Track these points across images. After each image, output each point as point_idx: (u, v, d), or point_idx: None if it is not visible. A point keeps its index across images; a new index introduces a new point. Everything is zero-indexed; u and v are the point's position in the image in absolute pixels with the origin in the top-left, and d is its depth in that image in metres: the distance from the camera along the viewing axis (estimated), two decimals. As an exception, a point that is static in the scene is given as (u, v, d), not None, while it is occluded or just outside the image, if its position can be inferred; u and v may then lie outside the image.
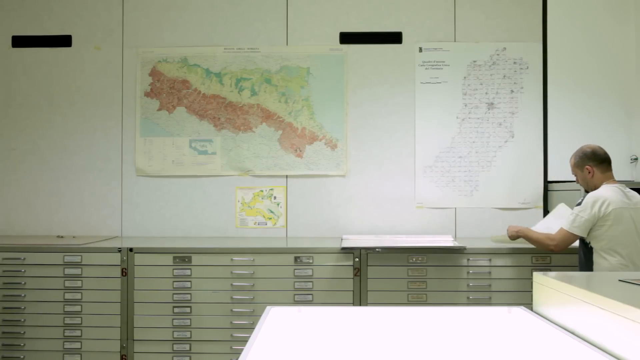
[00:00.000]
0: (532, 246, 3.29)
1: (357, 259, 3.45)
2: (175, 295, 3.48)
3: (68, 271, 3.52)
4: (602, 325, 1.60)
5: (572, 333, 1.76)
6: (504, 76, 4.11)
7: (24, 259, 3.55)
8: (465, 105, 4.11)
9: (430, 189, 4.11)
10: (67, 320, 3.51)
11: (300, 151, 4.14)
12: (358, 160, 4.13)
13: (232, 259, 3.50)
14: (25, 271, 3.54)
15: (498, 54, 4.11)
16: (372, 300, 3.44)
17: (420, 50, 4.14)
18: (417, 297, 3.45)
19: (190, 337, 3.47)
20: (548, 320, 1.93)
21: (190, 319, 3.47)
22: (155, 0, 4.22)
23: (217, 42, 4.20)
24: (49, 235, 4.12)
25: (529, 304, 2.14)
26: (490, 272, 3.45)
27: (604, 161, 3.09)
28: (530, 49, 4.10)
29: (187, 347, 3.46)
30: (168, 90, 4.19)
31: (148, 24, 4.22)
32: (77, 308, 3.51)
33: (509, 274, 3.43)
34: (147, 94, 4.20)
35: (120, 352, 3.49)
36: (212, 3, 4.21)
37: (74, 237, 4.03)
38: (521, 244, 3.36)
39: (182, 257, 3.50)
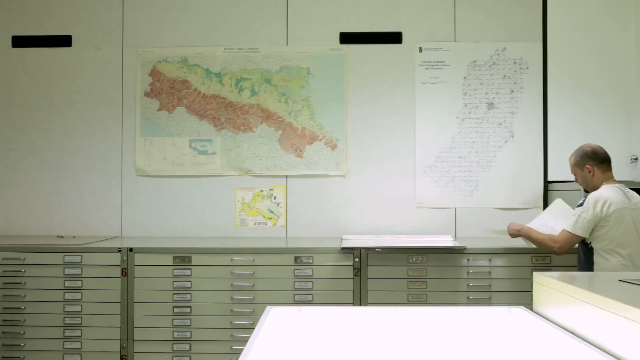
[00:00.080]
0: (532, 246, 3.27)
1: (357, 259, 3.45)
2: (175, 295, 3.48)
3: (68, 271, 3.52)
4: (602, 325, 1.60)
5: (572, 333, 1.76)
6: (504, 76, 4.11)
7: (24, 259, 3.55)
8: (465, 105, 4.11)
9: (430, 189, 4.11)
10: (67, 320, 3.51)
11: (300, 151, 4.14)
12: (358, 160, 4.13)
13: (232, 259, 3.50)
14: (25, 271, 3.54)
15: (498, 54, 4.11)
16: (372, 300, 3.44)
17: (420, 50, 4.14)
18: (417, 297, 3.45)
19: (190, 337, 3.47)
20: (548, 320, 1.93)
21: (190, 319, 3.47)
22: (155, 0, 4.22)
23: (217, 42, 4.20)
24: (49, 235, 4.12)
25: (529, 304, 2.14)
26: (490, 272, 3.45)
27: (604, 161, 3.08)
28: (530, 49, 4.10)
29: (187, 347, 3.46)
30: (168, 90, 4.19)
31: (148, 24, 4.22)
32: (77, 308, 3.51)
33: (509, 274, 3.43)
34: (147, 94, 4.20)
35: (120, 352, 3.49)
36: (212, 3, 4.21)
37: (74, 237, 4.03)
38: (520, 243, 3.35)
39: (182, 257, 3.50)
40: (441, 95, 4.12)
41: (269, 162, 4.15)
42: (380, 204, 4.11)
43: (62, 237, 4.03)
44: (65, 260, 3.52)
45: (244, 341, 1.73)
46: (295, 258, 3.48)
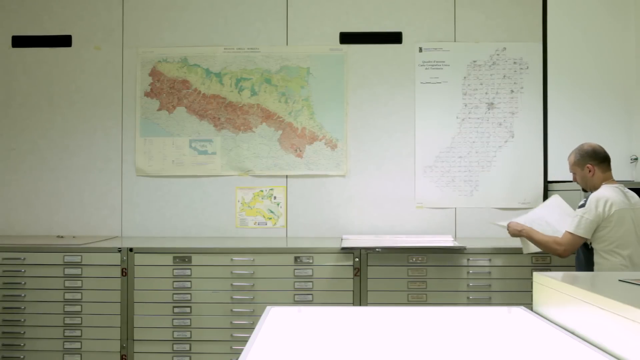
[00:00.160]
0: (530, 249, 3.23)
1: (357, 259, 3.45)
2: (175, 295, 3.48)
3: (68, 271, 3.52)
4: (602, 325, 1.60)
5: (572, 333, 1.76)
6: (504, 76, 4.11)
7: (24, 259, 3.55)
8: (465, 105, 4.11)
9: (430, 189, 4.11)
10: (67, 320, 3.51)
11: (300, 151, 4.14)
12: (358, 160, 4.13)
13: (232, 259, 3.50)
14: (25, 271, 3.54)
15: (498, 54, 4.11)
16: (372, 300, 3.44)
17: (420, 50, 4.14)
18: (417, 297, 3.45)
19: (190, 337, 3.47)
20: (548, 320, 1.93)
21: (190, 319, 3.47)
22: (155, 0, 4.22)
23: (217, 42, 4.20)
24: (49, 235, 4.12)
25: (529, 304, 2.14)
26: (490, 272, 3.45)
27: (605, 160, 3.07)
28: (530, 49, 4.10)
29: (187, 347, 3.46)
30: (168, 90, 4.19)
31: (148, 24, 4.22)
32: (77, 308, 3.51)
33: (509, 274, 3.43)
34: (147, 94, 4.20)
35: (120, 352, 3.49)
36: (212, 3, 4.21)
37: (74, 237, 4.03)
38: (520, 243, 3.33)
39: (182, 257, 3.50)
40: (441, 95, 4.12)
41: (269, 162, 4.15)
42: (380, 204, 4.11)
43: (62, 237, 4.03)
44: (65, 260, 3.53)
45: (244, 341, 1.73)
46: (295, 258, 3.48)
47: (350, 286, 3.45)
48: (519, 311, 2.07)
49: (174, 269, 3.50)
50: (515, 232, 3.24)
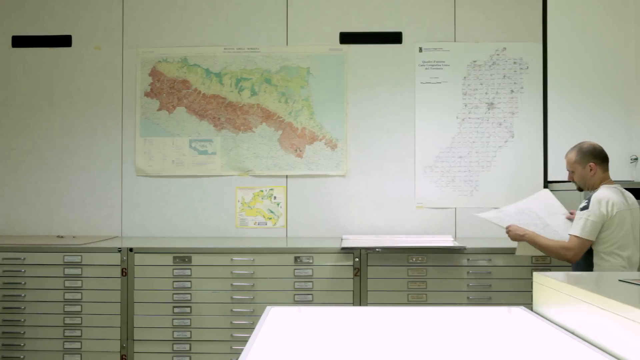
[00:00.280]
0: (529, 252, 3.18)
1: (357, 259, 3.45)
2: (175, 295, 3.48)
3: (68, 271, 3.52)
4: (602, 325, 1.60)
5: (572, 333, 1.76)
6: (504, 76, 4.11)
7: (24, 259, 3.55)
8: (465, 105, 4.11)
9: (430, 189, 4.11)
10: (67, 320, 3.51)
11: (300, 151, 4.14)
12: (358, 160, 4.13)
13: (232, 259, 3.50)
14: (25, 271, 3.54)
15: (498, 54, 4.11)
16: (372, 300, 3.44)
17: (420, 50, 4.14)
18: (417, 297, 3.45)
19: (190, 337, 3.47)
20: (548, 320, 1.93)
21: (190, 319, 3.47)
22: (155, 0, 4.22)
23: (217, 42, 4.20)
24: (49, 235, 4.12)
25: (529, 304, 2.14)
26: (490, 272, 3.45)
27: (605, 160, 3.06)
28: (530, 49, 4.10)
29: (187, 347, 3.46)
30: (168, 90, 4.19)
31: (148, 24, 4.22)
32: (77, 308, 3.51)
33: (509, 274, 3.43)
34: (147, 94, 4.20)
35: (120, 352, 3.49)
36: (212, 3, 4.21)
37: (74, 237, 4.03)
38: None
39: (182, 257, 3.50)
40: (441, 95, 4.12)
41: (269, 162, 4.15)
42: (380, 204, 4.11)
43: (62, 237, 4.03)
44: (65, 260, 3.52)
45: (244, 341, 1.73)
46: (295, 258, 3.48)
47: (350, 286, 3.45)
48: (519, 311, 2.07)
49: (174, 269, 3.50)
50: (517, 237, 3.14)
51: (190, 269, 3.49)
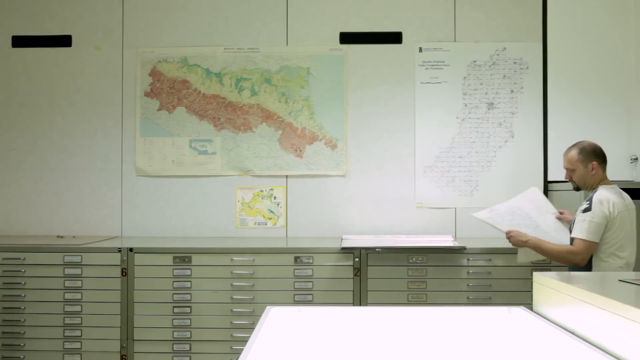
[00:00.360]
0: (531, 258, 3.15)
1: (357, 259, 3.45)
2: (175, 295, 3.48)
3: (68, 271, 3.52)
4: (602, 325, 1.60)
5: (572, 333, 1.76)
6: (504, 76, 4.11)
7: (24, 259, 3.55)
8: (465, 105, 4.11)
9: (430, 189, 4.10)
10: (67, 320, 3.51)
11: (300, 151, 4.14)
12: (358, 160, 4.13)
13: (232, 259, 3.50)
14: (25, 271, 3.54)
15: (498, 54, 4.11)
16: (372, 300, 3.44)
17: (420, 50, 4.14)
18: (417, 297, 3.45)
19: (190, 337, 3.47)
20: (548, 320, 1.93)
21: (190, 319, 3.47)
22: (155, 0, 4.22)
23: (217, 42, 4.20)
24: (49, 235, 4.12)
25: (529, 304, 2.14)
26: (490, 272, 3.45)
27: (605, 160, 3.04)
28: (530, 49, 4.10)
29: (187, 347, 3.46)
30: (168, 90, 4.19)
31: (148, 24, 4.22)
32: (77, 308, 3.51)
33: (509, 274, 3.43)
34: (147, 94, 4.20)
35: (120, 352, 3.49)
36: (212, 3, 4.21)
37: (74, 237, 4.03)
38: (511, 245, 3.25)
39: (182, 257, 3.50)
40: (441, 95, 4.12)
41: (269, 162, 4.15)
42: (380, 204, 4.11)
43: (62, 237, 4.03)
44: (65, 260, 3.52)
45: (244, 341, 1.73)
46: (295, 258, 3.48)
47: (350, 286, 3.45)
48: (519, 311, 2.07)
49: (174, 269, 3.50)
50: (520, 243, 3.09)
51: (190, 269, 3.49)
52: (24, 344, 3.52)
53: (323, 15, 4.17)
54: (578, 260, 2.89)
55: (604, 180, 3.02)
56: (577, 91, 4.07)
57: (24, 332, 3.53)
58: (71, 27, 4.24)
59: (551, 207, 3.36)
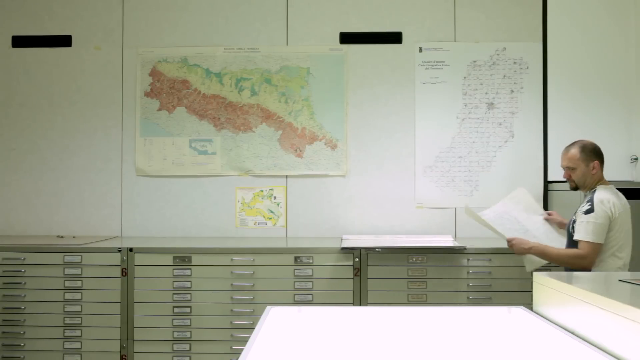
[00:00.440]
0: (535, 263, 3.08)
1: (357, 259, 3.45)
2: (175, 295, 3.48)
3: (68, 271, 3.52)
4: (602, 325, 1.60)
5: (572, 333, 1.76)
6: (504, 76, 4.11)
7: (24, 259, 3.55)
8: (465, 105, 4.11)
9: (430, 189, 4.10)
10: (67, 320, 3.51)
11: (300, 151, 4.14)
12: (358, 160, 4.13)
13: (232, 259, 3.50)
14: (25, 271, 3.54)
15: (498, 54, 4.11)
16: (372, 300, 3.44)
17: (420, 50, 4.14)
18: (417, 297, 3.45)
19: (190, 337, 3.47)
20: (548, 320, 1.93)
21: (190, 319, 3.47)
22: (155, 0, 4.22)
23: (217, 42, 4.20)
24: (49, 235, 4.11)
25: (529, 304, 2.14)
26: (490, 272, 3.45)
27: (603, 160, 3.03)
28: (530, 49, 4.10)
29: (187, 347, 3.46)
30: (168, 90, 4.19)
31: (148, 24, 4.22)
32: (77, 308, 3.51)
33: (509, 274, 3.43)
34: (147, 94, 4.20)
35: (120, 352, 3.49)
36: (212, 3, 4.21)
37: (74, 237, 4.03)
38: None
39: (182, 257, 3.50)
40: (441, 95, 4.11)
41: (269, 162, 4.15)
42: (380, 204, 4.11)
43: (62, 237, 4.03)
44: (65, 260, 3.52)
45: (244, 341, 1.73)
46: (295, 258, 3.48)
47: (350, 286, 3.45)
48: (519, 311, 2.07)
49: (174, 269, 3.50)
50: (523, 250, 3.05)
51: (190, 269, 3.49)
52: (24, 344, 3.52)
53: (323, 15, 4.17)
54: (586, 264, 2.84)
55: (602, 180, 3.00)
56: (577, 91, 4.07)
57: (24, 332, 3.53)
58: (71, 27, 4.24)
59: (539, 208, 3.36)
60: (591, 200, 2.90)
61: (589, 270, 2.88)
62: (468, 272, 3.45)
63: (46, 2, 4.25)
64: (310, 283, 3.47)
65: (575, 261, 2.86)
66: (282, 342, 1.78)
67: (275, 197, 4.15)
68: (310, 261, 3.47)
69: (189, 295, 3.48)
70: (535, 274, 2.12)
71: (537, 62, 4.09)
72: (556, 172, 4.00)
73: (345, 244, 3.53)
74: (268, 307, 2.13)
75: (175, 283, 3.49)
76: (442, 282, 3.45)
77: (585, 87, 4.07)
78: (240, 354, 1.58)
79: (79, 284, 3.52)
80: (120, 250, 3.51)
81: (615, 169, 3.20)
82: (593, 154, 2.99)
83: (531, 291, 2.13)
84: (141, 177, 4.19)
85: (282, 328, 1.91)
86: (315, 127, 4.14)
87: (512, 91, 4.10)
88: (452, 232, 4.05)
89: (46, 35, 4.24)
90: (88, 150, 4.21)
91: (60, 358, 3.51)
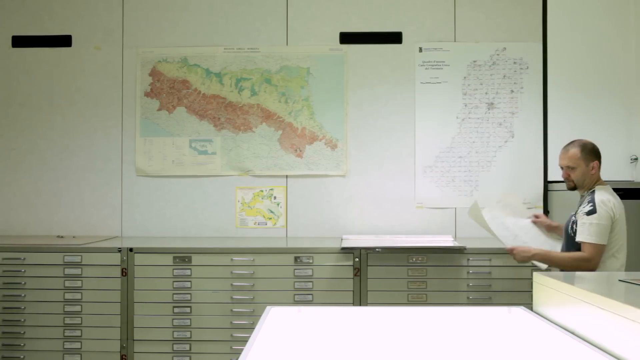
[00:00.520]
0: (541, 266, 3.05)
1: (357, 259, 3.45)
2: (175, 295, 3.48)
3: (68, 271, 3.52)
4: (602, 325, 1.60)
5: (572, 333, 1.76)
6: (504, 76, 4.11)
7: (24, 259, 3.55)
8: (465, 105, 4.11)
9: (430, 189, 4.10)
10: (67, 320, 3.51)
11: (300, 151, 4.14)
12: (358, 160, 4.13)
13: (232, 259, 3.50)
14: (25, 271, 3.54)
15: (498, 54, 4.11)
16: (372, 300, 3.44)
17: (420, 50, 4.14)
18: (417, 297, 3.45)
19: (190, 337, 3.47)
20: (548, 320, 1.93)
21: (190, 319, 3.47)
22: (155, 0, 4.22)
23: (217, 42, 4.20)
24: (49, 235, 4.11)
25: (529, 304, 2.14)
26: (490, 272, 3.45)
27: (601, 160, 3.03)
28: (530, 49, 4.10)
29: (187, 347, 3.46)
30: (168, 90, 4.19)
31: (148, 24, 4.22)
32: (77, 308, 3.51)
33: (509, 274, 3.43)
34: (147, 94, 4.20)
35: (120, 352, 3.49)
36: (212, 3, 4.21)
37: (74, 237, 4.03)
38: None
39: (182, 257, 3.50)
40: (441, 95, 4.12)
41: (269, 162, 4.15)
42: (380, 204, 4.11)
43: (62, 237, 4.03)
44: (65, 260, 3.52)
45: (244, 341, 1.73)
46: (295, 258, 3.48)
47: (350, 286, 3.45)
48: (519, 311, 2.07)
49: (174, 269, 3.50)
50: (525, 258, 3.01)
51: (190, 269, 3.49)
52: (24, 344, 3.52)
53: (323, 15, 4.17)
54: (591, 266, 2.80)
55: (599, 181, 2.99)
56: (577, 91, 4.07)
57: (24, 332, 3.53)
58: (71, 27, 4.24)
59: (526, 211, 3.34)
60: (592, 201, 2.87)
61: (594, 271, 2.84)
62: (468, 272, 3.45)
63: (46, 2, 4.25)
64: (310, 283, 3.47)
65: (580, 264, 2.81)
66: (282, 342, 1.78)
67: (275, 197, 4.15)
68: (310, 261, 3.47)
69: (189, 295, 3.48)
70: (535, 274, 2.12)
71: (537, 62, 4.09)
72: (556, 172, 3.99)
73: (345, 244, 3.53)
74: (268, 307, 2.13)
75: (175, 283, 3.49)
76: (442, 282, 3.45)
77: (585, 87, 4.07)
78: (240, 354, 1.58)
79: (79, 284, 3.52)
80: (120, 250, 3.51)
81: (615, 169, 3.20)
82: (593, 153, 2.98)
83: (531, 291, 2.13)
84: (141, 177, 4.19)
85: (282, 328, 1.91)
86: (315, 127, 4.14)
87: (512, 91, 4.10)
88: (452, 232, 4.05)
89: (46, 35, 4.24)
90: (88, 150, 4.21)
91: (60, 358, 3.51)
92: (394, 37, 4.15)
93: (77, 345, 3.50)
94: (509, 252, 3.08)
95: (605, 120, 4.05)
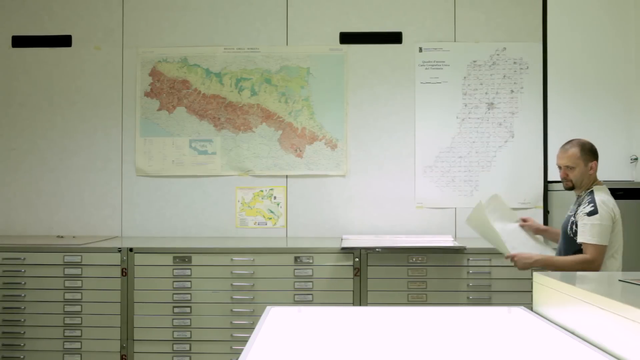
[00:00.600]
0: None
1: (357, 259, 3.45)
2: (175, 295, 3.48)
3: (68, 271, 3.52)
4: (602, 325, 1.60)
5: (572, 333, 1.76)
6: (504, 76, 4.11)
7: (24, 259, 3.55)
8: (465, 105, 4.11)
9: (430, 189, 4.10)
10: (67, 320, 3.51)
11: (300, 151, 4.14)
12: (358, 160, 4.13)
13: (232, 259, 3.50)
14: (25, 271, 3.54)
15: (498, 54, 4.11)
16: (372, 300, 3.44)
17: (420, 50, 4.14)
18: (417, 297, 3.45)
19: (190, 337, 3.47)
20: (548, 320, 1.93)
21: (190, 319, 3.47)
22: (155, 0, 4.22)
23: (217, 42, 4.20)
24: (49, 235, 4.11)
25: (529, 304, 2.14)
26: (490, 272, 3.45)
27: (598, 160, 3.02)
28: (530, 49, 4.10)
29: (187, 347, 3.46)
30: (168, 90, 4.19)
31: (148, 24, 4.22)
32: (77, 308, 3.51)
33: (509, 274, 3.42)
34: (147, 94, 4.20)
35: (120, 352, 3.49)
36: (212, 3, 4.21)
37: (74, 237, 4.03)
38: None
39: (182, 257, 3.50)
40: (441, 95, 4.11)
41: (269, 162, 4.15)
42: (380, 204, 4.10)
43: (62, 237, 4.03)
44: (65, 260, 3.52)
45: (244, 341, 1.73)
46: (295, 258, 3.48)
47: (350, 286, 3.45)
48: (519, 311, 2.07)
49: (174, 269, 3.50)
50: (526, 265, 2.97)
51: (190, 269, 3.49)
52: (24, 344, 3.52)
53: (323, 15, 4.17)
54: (594, 268, 2.76)
55: (596, 181, 2.97)
56: (577, 91, 4.07)
57: (24, 332, 3.53)
58: (71, 27, 4.24)
59: (514, 214, 3.33)
60: (593, 202, 2.85)
61: (597, 271, 2.81)
62: (468, 272, 3.45)
63: (46, 2, 4.25)
64: (310, 283, 3.47)
65: (584, 267, 2.77)
66: (282, 342, 1.78)
67: (275, 197, 4.15)
68: (310, 261, 3.47)
69: (189, 295, 3.48)
70: (535, 274, 2.12)
71: (537, 62, 4.09)
72: (556, 172, 3.98)
73: (345, 244, 3.53)
74: (268, 307, 2.13)
75: (175, 283, 3.49)
76: (442, 282, 3.45)
77: (585, 87, 4.07)
78: (240, 354, 1.58)
79: (79, 284, 3.52)
80: (120, 250, 3.51)
81: (615, 169, 3.20)
82: (591, 153, 2.96)
83: (531, 291, 2.13)
84: (141, 177, 4.19)
85: (282, 328, 1.91)
86: (315, 127, 4.14)
87: (512, 91, 4.10)
88: (452, 232, 4.05)
89: (46, 35, 4.24)
90: (88, 150, 4.21)
91: (60, 358, 3.51)
92: (394, 37, 4.15)
93: (77, 345, 3.51)
94: (509, 259, 3.03)
95: (605, 120, 4.05)
